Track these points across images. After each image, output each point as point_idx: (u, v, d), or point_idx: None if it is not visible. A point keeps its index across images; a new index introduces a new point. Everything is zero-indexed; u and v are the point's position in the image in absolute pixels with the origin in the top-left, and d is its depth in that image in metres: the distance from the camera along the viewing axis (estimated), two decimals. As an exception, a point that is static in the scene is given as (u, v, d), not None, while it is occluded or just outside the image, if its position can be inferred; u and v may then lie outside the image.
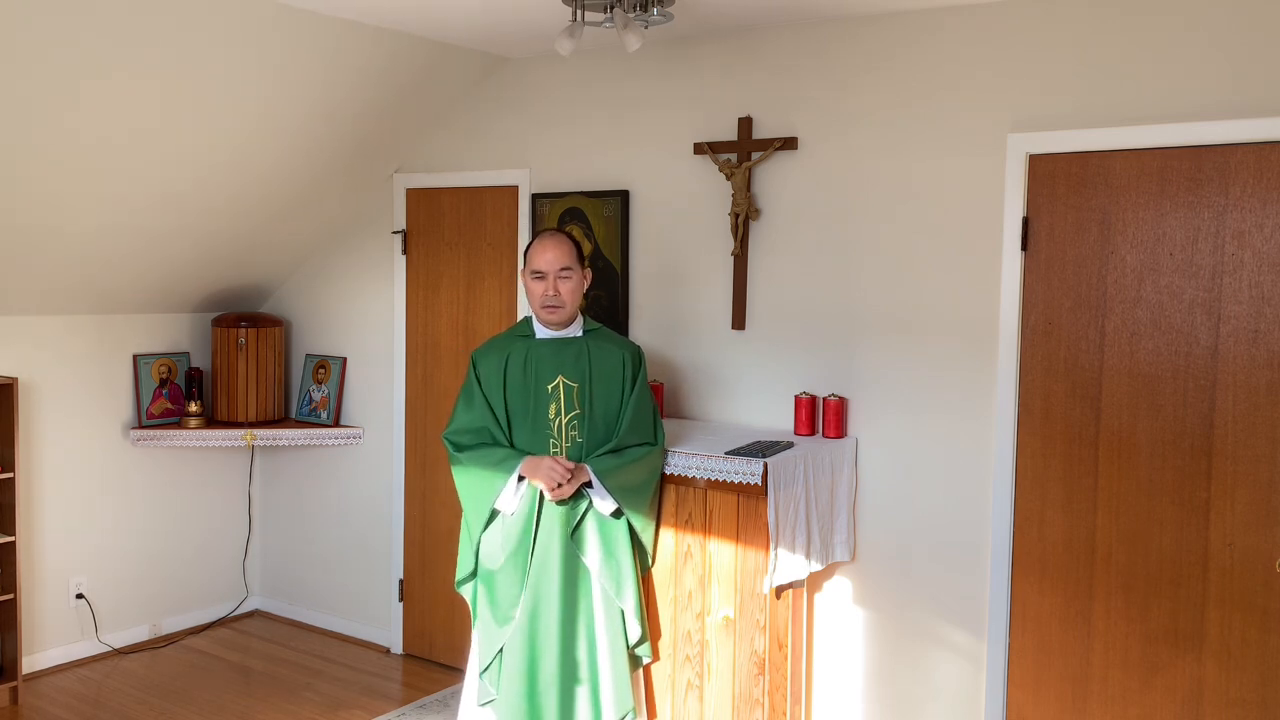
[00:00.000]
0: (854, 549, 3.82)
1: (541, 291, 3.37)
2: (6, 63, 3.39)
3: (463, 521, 3.45)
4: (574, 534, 3.30)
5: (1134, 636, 3.35)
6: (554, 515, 3.30)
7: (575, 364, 3.39)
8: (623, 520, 3.37)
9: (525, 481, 3.30)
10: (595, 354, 3.42)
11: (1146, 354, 3.30)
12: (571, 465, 3.28)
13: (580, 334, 3.46)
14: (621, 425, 3.39)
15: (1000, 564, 3.55)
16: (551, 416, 3.36)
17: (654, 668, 3.59)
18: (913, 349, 3.68)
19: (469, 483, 3.37)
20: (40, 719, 4.34)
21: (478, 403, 3.40)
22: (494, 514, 3.35)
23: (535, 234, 3.56)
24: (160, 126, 3.96)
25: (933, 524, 3.67)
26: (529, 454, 3.33)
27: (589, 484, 3.31)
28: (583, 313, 3.53)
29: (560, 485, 3.24)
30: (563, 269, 3.36)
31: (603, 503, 3.32)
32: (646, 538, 3.48)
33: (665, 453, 3.51)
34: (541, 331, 3.44)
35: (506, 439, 3.38)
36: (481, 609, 3.39)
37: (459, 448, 3.40)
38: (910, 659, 3.75)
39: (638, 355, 3.50)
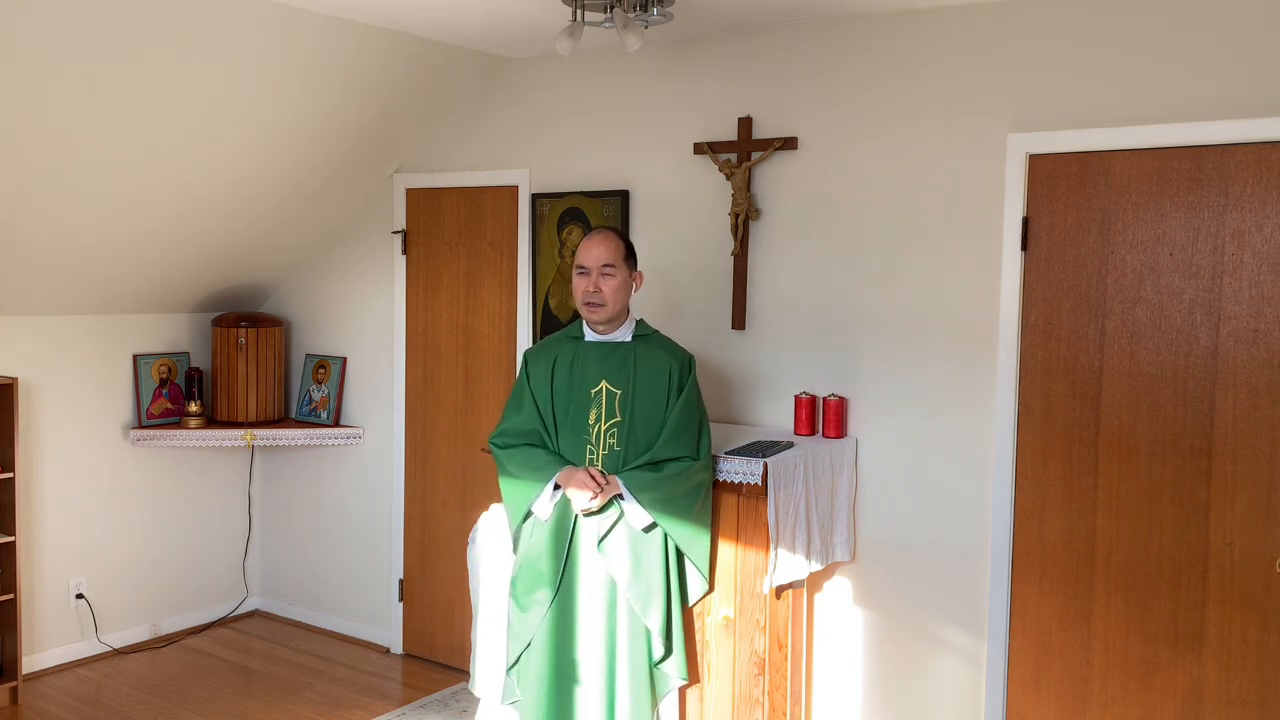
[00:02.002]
0: (854, 549, 3.82)
1: (584, 288, 3.30)
2: (6, 63, 3.39)
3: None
4: (601, 543, 3.25)
5: (1134, 636, 3.35)
6: (587, 524, 3.26)
7: (620, 370, 3.30)
8: (657, 535, 3.26)
9: (561, 490, 3.26)
10: (642, 360, 3.32)
11: (1146, 354, 3.30)
12: (603, 480, 3.21)
13: (629, 339, 3.37)
14: (661, 436, 3.27)
15: (1000, 564, 3.55)
16: (591, 422, 3.29)
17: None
18: (913, 349, 3.68)
19: (509, 482, 3.34)
20: (40, 719, 4.34)
21: (526, 405, 3.36)
22: (528, 514, 3.33)
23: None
24: (160, 126, 3.96)
25: (933, 524, 3.67)
26: (570, 462, 3.28)
27: (621, 496, 3.23)
28: (636, 317, 3.43)
29: (592, 497, 3.17)
30: (605, 266, 3.27)
31: (635, 516, 3.23)
32: (696, 555, 3.31)
33: (714, 463, 3.36)
34: (590, 334, 3.37)
35: (554, 442, 3.33)
36: (509, 604, 3.36)
37: (504, 448, 3.37)
38: (910, 659, 3.75)
39: (687, 364, 3.35)
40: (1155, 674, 3.33)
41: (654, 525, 3.24)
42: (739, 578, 3.41)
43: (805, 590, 3.70)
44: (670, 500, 3.23)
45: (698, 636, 3.48)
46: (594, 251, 3.29)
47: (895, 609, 3.76)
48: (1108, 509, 3.38)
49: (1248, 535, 3.17)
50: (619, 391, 3.29)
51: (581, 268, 3.31)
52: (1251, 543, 3.16)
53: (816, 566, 3.60)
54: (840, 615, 3.88)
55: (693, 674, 3.42)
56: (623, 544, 3.25)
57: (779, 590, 3.46)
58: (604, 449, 3.28)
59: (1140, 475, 3.32)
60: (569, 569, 3.27)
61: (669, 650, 3.30)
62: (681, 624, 3.34)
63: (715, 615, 3.46)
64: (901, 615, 3.75)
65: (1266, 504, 3.14)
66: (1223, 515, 3.20)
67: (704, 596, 3.40)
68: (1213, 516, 3.22)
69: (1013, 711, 3.57)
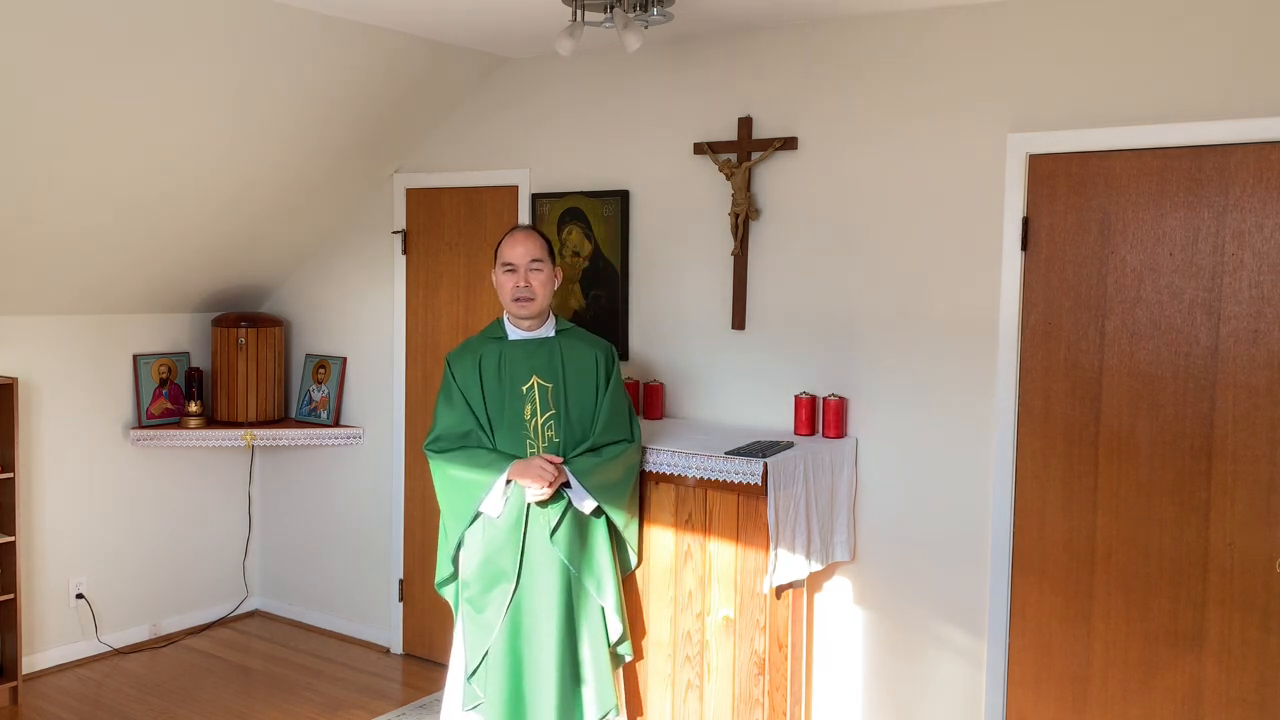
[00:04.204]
0: (854, 549, 3.82)
1: (512, 284, 3.38)
2: (6, 62, 3.39)
3: (441, 523, 3.44)
4: (553, 534, 3.30)
5: (1134, 636, 3.35)
6: (538, 516, 3.30)
7: (549, 364, 3.40)
8: (602, 519, 3.38)
9: (512, 484, 3.29)
10: (568, 354, 3.44)
11: (1146, 354, 3.30)
12: (558, 463, 3.29)
13: (553, 334, 3.47)
14: (598, 424, 3.40)
15: (1000, 564, 3.55)
16: (527, 418, 3.37)
17: (653, 667, 3.60)
18: (913, 349, 3.68)
19: (453, 485, 3.36)
20: (40, 719, 4.34)
21: (458, 405, 3.40)
22: (475, 516, 3.34)
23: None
24: (160, 126, 3.96)
25: (933, 524, 3.67)
26: (515, 456, 3.33)
27: (567, 484, 3.32)
28: (554, 313, 3.54)
29: (549, 484, 3.24)
30: (534, 261, 3.38)
31: (582, 502, 3.33)
32: (629, 535, 3.49)
33: (643, 449, 3.52)
34: (514, 332, 3.45)
35: (491, 440, 3.37)
36: (464, 609, 3.39)
37: (442, 452, 3.39)
38: (910, 659, 3.75)
39: (611, 353, 3.51)
40: (1155, 674, 3.33)
41: (600, 510, 3.36)
42: (739, 578, 3.42)
43: (805, 590, 3.70)
44: (612, 484, 3.38)
45: (697, 636, 3.49)
46: (519, 248, 3.39)
47: (895, 609, 3.76)
48: (1108, 509, 3.38)
49: (1248, 535, 3.17)
50: (550, 385, 3.39)
51: (509, 265, 3.39)
52: (1251, 543, 3.16)
53: (816, 566, 3.60)
54: (840, 615, 3.88)
55: (636, 651, 3.57)
56: (574, 531, 3.33)
57: (779, 590, 3.46)
58: (543, 442, 3.36)
59: (1140, 475, 3.32)
60: (524, 562, 3.31)
61: (626, 631, 3.43)
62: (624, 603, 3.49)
63: (715, 615, 3.46)
64: (901, 615, 3.75)
65: (1266, 504, 3.14)
66: (1223, 515, 3.20)
67: (632, 571, 3.58)
68: (1213, 516, 3.22)
69: (1013, 711, 3.58)
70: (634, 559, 3.56)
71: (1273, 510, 3.13)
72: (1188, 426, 3.24)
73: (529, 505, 3.29)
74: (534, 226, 3.66)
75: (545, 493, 3.25)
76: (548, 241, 3.48)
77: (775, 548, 3.36)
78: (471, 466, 3.34)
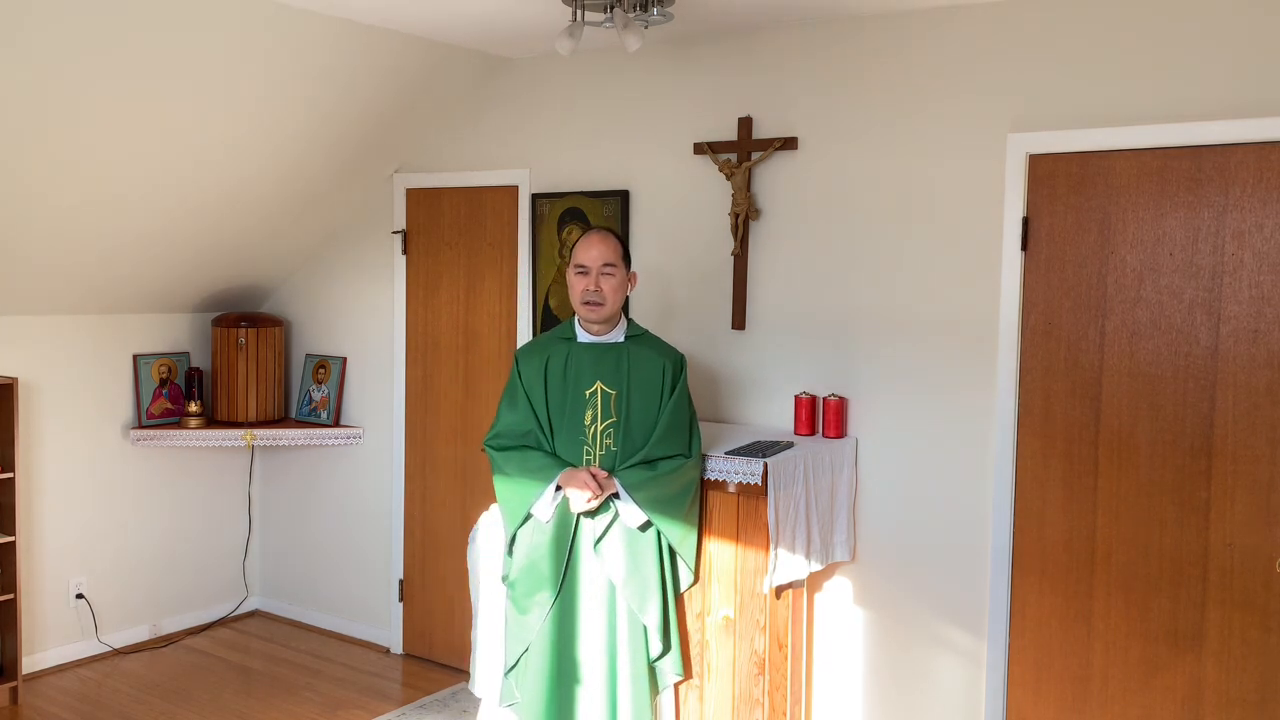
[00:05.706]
0: (854, 549, 3.82)
1: (583, 287, 3.31)
2: (7, 62, 3.39)
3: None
4: (597, 545, 3.27)
5: (1134, 636, 3.35)
6: (586, 526, 3.27)
7: (615, 370, 3.33)
8: (651, 534, 3.29)
9: (563, 491, 3.27)
10: (635, 361, 3.35)
11: (1146, 354, 3.30)
12: (604, 477, 3.24)
13: (622, 339, 3.40)
14: (654, 435, 3.30)
15: (1000, 564, 3.55)
16: (587, 423, 3.31)
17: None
18: (913, 349, 3.68)
19: (507, 484, 3.33)
20: (40, 719, 4.34)
21: (521, 404, 3.36)
22: (527, 516, 3.32)
23: (584, 230, 3.58)
24: (160, 127, 3.96)
25: (933, 524, 3.67)
26: (569, 463, 3.29)
27: (616, 495, 3.26)
28: (627, 317, 3.48)
29: (591, 498, 3.19)
30: (606, 265, 3.31)
31: (631, 515, 3.26)
32: (685, 551, 3.36)
33: (704, 460, 3.40)
34: (583, 335, 3.39)
35: (550, 442, 3.34)
36: (508, 607, 3.37)
37: (500, 449, 3.36)
38: (910, 659, 3.75)
39: (679, 364, 3.41)
40: (1155, 674, 3.33)
41: (649, 524, 3.27)
42: (739, 578, 3.41)
43: (805, 590, 3.70)
44: (664, 499, 3.27)
45: (697, 637, 3.48)
46: (594, 250, 3.31)
47: (895, 609, 3.76)
48: (1108, 509, 3.38)
49: (1248, 535, 3.17)
50: (614, 392, 3.32)
51: (581, 267, 3.32)
52: (1251, 543, 3.16)
53: (816, 566, 3.60)
54: (840, 615, 3.88)
55: (687, 669, 3.44)
56: (618, 544, 3.27)
57: (779, 590, 3.46)
58: (600, 449, 3.30)
59: (1140, 475, 3.32)
60: (570, 570, 3.28)
61: (666, 647, 3.34)
62: (675, 620, 3.37)
63: (715, 615, 3.46)
64: (901, 615, 3.75)
65: (1266, 504, 3.14)
66: (1223, 515, 3.20)
67: (689, 587, 3.43)
68: (1213, 516, 3.22)
69: (1013, 711, 3.57)
70: (690, 576, 3.40)
71: (1273, 510, 3.13)
72: (1188, 426, 3.24)
73: (579, 514, 3.26)
74: (612, 229, 3.56)
75: (589, 505, 3.21)
76: (624, 245, 3.40)
77: (775, 548, 3.36)
78: (525, 467, 3.30)
